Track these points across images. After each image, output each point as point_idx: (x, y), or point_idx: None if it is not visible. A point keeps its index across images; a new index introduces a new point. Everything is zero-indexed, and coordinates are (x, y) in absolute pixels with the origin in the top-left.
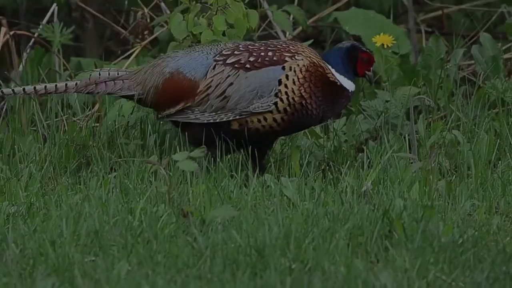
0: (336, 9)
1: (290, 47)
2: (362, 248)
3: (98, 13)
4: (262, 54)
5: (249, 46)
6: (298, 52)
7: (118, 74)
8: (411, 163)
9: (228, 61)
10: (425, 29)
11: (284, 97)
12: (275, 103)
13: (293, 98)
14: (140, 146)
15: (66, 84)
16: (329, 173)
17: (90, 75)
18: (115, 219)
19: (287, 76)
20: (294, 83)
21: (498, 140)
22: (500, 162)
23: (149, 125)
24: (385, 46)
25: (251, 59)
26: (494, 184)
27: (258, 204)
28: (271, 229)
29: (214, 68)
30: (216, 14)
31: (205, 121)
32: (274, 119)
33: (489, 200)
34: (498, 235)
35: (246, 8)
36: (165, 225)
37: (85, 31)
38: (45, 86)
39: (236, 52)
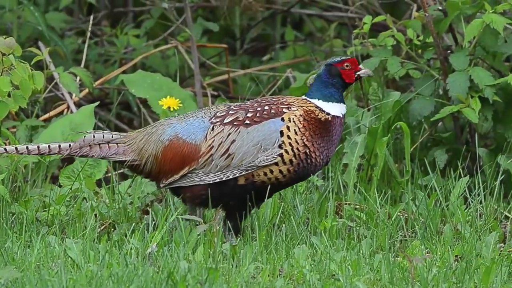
0: (123, 72)
1: (281, 99)
2: None
3: None
4: (259, 109)
5: (242, 105)
6: (290, 104)
7: (112, 137)
8: (196, 225)
9: (225, 121)
10: (212, 92)
11: (288, 148)
12: (281, 155)
13: (297, 149)
14: None
15: (59, 146)
16: (113, 235)
17: (85, 136)
18: None
19: (288, 127)
20: (296, 133)
21: (282, 203)
22: (284, 225)
23: None
24: (171, 109)
25: (249, 115)
26: (278, 247)
27: (42, 265)
28: None
29: (212, 129)
30: (1, 75)
31: (211, 181)
32: (280, 171)
33: (273, 262)
34: None
35: (32, 70)
36: None
37: None
38: (38, 147)
39: (230, 112)
